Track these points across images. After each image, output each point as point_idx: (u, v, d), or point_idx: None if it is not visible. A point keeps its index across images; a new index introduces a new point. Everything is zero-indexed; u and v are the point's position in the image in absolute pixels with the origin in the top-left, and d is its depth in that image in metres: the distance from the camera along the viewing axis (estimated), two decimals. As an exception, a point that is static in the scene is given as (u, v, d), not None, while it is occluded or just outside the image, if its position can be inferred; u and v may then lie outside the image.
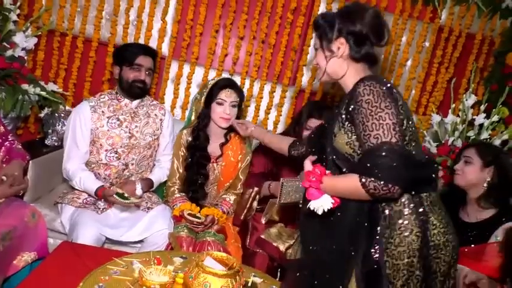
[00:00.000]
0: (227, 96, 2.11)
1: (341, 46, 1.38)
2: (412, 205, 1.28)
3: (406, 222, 1.27)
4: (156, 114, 2.23)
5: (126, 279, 1.38)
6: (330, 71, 1.42)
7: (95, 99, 2.15)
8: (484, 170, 1.94)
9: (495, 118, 2.51)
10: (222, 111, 2.11)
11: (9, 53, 2.36)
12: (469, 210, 2.00)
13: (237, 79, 2.77)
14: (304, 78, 2.87)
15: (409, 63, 2.90)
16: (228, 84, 2.14)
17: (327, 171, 1.33)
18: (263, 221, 2.10)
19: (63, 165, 2.08)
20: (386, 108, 1.23)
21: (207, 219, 2.01)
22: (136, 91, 2.13)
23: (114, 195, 1.86)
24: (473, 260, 1.77)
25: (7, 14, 2.38)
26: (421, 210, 1.28)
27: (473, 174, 1.96)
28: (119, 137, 2.10)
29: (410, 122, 1.30)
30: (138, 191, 2.04)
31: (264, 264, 1.96)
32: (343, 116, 1.33)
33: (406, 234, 1.25)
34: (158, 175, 2.22)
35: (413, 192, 1.28)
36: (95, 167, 2.11)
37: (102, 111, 2.11)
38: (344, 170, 1.35)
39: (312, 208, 1.31)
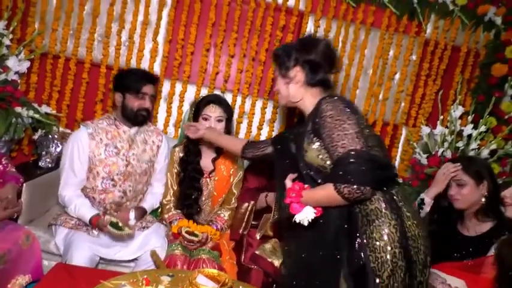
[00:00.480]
0: (211, 111, 2.14)
1: (298, 73, 1.55)
2: (385, 201, 1.42)
3: (383, 218, 1.40)
4: (153, 141, 2.23)
5: (118, 301, 1.38)
6: (289, 96, 1.58)
7: (92, 125, 2.11)
8: (479, 187, 1.94)
9: (483, 128, 2.55)
10: (208, 126, 2.14)
11: (2, 77, 2.38)
12: (468, 225, 2.00)
13: (229, 96, 2.82)
14: (295, 94, 2.91)
15: (397, 76, 2.96)
16: (213, 100, 2.18)
17: (305, 185, 1.46)
18: (258, 236, 2.11)
19: (59, 191, 2.06)
20: (348, 120, 1.40)
21: (202, 237, 2.02)
22: (140, 119, 2.13)
23: (108, 226, 1.86)
24: (473, 273, 1.78)
25: (0, 39, 2.41)
26: (394, 205, 1.43)
27: (471, 195, 1.95)
28: (115, 164, 2.08)
29: (369, 131, 1.48)
30: (132, 221, 2.04)
31: (259, 280, 1.96)
32: (310, 133, 1.49)
33: (385, 227, 1.39)
34: (151, 202, 2.22)
35: (384, 189, 1.44)
36: (90, 192, 2.10)
37: (100, 139, 2.08)
38: (319, 181, 1.48)
39: (297, 221, 1.43)
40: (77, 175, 2.05)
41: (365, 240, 1.39)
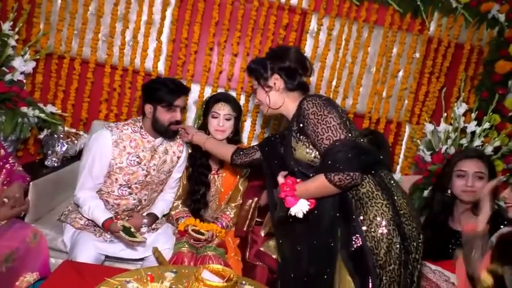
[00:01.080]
0: (220, 109, 2.15)
1: (276, 81, 1.65)
2: (375, 183, 1.50)
3: (375, 199, 1.47)
4: (174, 152, 2.18)
5: (123, 299, 1.40)
6: (272, 103, 1.67)
7: (117, 131, 2.03)
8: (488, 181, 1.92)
9: (486, 125, 2.55)
10: (217, 124, 2.15)
11: (8, 77, 2.41)
12: (462, 219, 2.01)
13: (233, 94, 2.82)
14: (299, 92, 2.92)
15: (400, 74, 2.96)
16: (222, 98, 2.19)
17: (298, 180, 1.54)
18: (262, 233, 2.12)
19: (75, 192, 2.05)
20: (330, 113, 1.49)
21: (208, 235, 2.03)
22: (170, 134, 2.08)
23: (120, 232, 1.85)
24: None
25: (6, 39, 2.43)
26: (384, 186, 1.50)
27: (483, 188, 1.90)
28: (135, 174, 2.06)
29: (350, 123, 1.55)
30: (144, 228, 2.06)
31: (264, 277, 1.97)
32: (296, 132, 1.59)
33: (378, 207, 1.46)
34: (161, 208, 2.21)
35: (372, 172, 1.51)
36: (105, 195, 2.09)
37: (124, 146, 2.02)
38: (311, 175, 1.54)
39: (293, 214, 1.49)
40: (95, 179, 2.03)
41: (360, 223, 1.46)
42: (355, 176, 1.42)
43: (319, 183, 1.46)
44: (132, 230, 1.88)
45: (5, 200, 1.79)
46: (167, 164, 2.15)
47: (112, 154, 2.00)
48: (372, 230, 1.44)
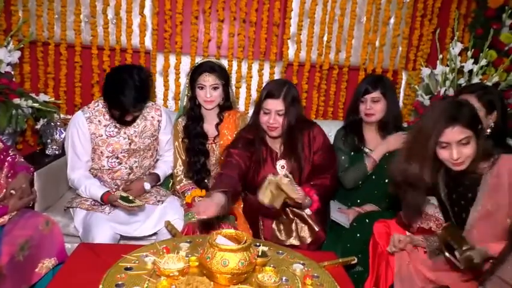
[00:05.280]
0: (205, 80, 2.13)
1: None
2: None
3: None
4: (152, 116, 2.19)
5: (142, 273, 1.42)
6: None
7: (89, 109, 2.08)
8: (488, 117, 1.87)
9: (483, 62, 2.53)
10: (204, 95, 2.14)
11: (-5, 70, 2.37)
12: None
13: (224, 62, 2.77)
14: (291, 52, 2.87)
15: (392, 20, 2.90)
16: (206, 68, 2.15)
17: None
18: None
19: (67, 176, 2.09)
20: None
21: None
22: (128, 121, 2.08)
23: (119, 200, 1.89)
24: None
25: (-14, 32, 2.38)
26: None
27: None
28: (118, 144, 2.09)
29: None
30: (146, 186, 2.09)
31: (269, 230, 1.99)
32: None
33: None
34: (163, 169, 2.25)
35: None
36: (99, 173, 2.13)
37: (99, 121, 2.07)
38: None
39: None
40: (81, 158, 2.07)
41: None
42: None
43: None
44: (130, 198, 1.93)
45: (12, 191, 1.80)
46: (148, 129, 2.17)
47: (89, 130, 2.05)
48: None
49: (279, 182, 1.71)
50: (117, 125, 2.09)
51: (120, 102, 1.95)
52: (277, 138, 2.03)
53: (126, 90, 1.92)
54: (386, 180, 2.05)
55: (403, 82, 2.98)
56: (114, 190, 2.05)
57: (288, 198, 1.78)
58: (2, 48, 2.43)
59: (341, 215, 2.12)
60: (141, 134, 2.15)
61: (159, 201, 2.12)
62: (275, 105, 1.93)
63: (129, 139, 2.11)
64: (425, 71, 2.69)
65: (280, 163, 2.04)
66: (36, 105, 2.44)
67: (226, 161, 1.97)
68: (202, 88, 2.14)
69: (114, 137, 2.09)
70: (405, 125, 2.78)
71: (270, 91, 1.95)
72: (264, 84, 2.84)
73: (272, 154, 2.06)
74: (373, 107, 2.10)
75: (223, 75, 2.17)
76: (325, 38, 2.87)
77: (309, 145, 2.04)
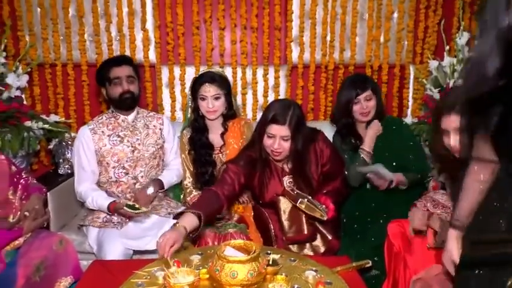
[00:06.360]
0: (206, 91, 2.13)
1: None
2: None
3: None
4: (154, 125, 2.26)
5: (153, 288, 1.43)
6: None
7: (93, 122, 2.20)
8: None
9: (492, 50, 2.45)
10: (206, 105, 2.14)
11: (5, 95, 2.42)
12: None
13: (228, 70, 2.79)
14: (294, 54, 2.86)
15: (395, 15, 2.85)
16: (206, 79, 2.15)
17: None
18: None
19: (75, 189, 2.15)
20: None
21: (225, 214, 2.05)
22: (127, 103, 2.16)
23: (124, 208, 1.91)
24: None
25: (-5, 58, 2.44)
26: None
27: None
28: (122, 152, 2.15)
29: None
30: (149, 190, 2.11)
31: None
32: None
33: None
34: (167, 176, 2.25)
35: None
36: (107, 186, 2.18)
37: (102, 131, 2.16)
38: None
39: None
40: (86, 169, 2.14)
41: None
42: None
43: None
44: (136, 206, 1.94)
45: (26, 213, 1.84)
46: (151, 137, 2.23)
47: (93, 141, 2.14)
48: None
49: (298, 207, 1.79)
50: (120, 134, 2.16)
51: (115, 73, 2.11)
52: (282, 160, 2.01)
53: (120, 61, 2.15)
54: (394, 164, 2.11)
55: (411, 77, 2.92)
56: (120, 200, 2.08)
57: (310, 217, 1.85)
58: (11, 73, 2.49)
59: (383, 167, 2.05)
60: (144, 141, 2.20)
61: (169, 213, 2.13)
62: (280, 131, 1.86)
63: (132, 146, 2.16)
64: (433, 64, 2.63)
65: (287, 179, 2.01)
66: (46, 126, 2.49)
67: (222, 176, 1.93)
68: (204, 99, 2.15)
69: (118, 146, 2.15)
70: (415, 120, 2.74)
71: (274, 116, 1.86)
72: (270, 90, 2.86)
73: (277, 170, 2.03)
74: (368, 105, 2.15)
75: (224, 84, 2.17)
76: (328, 38, 2.84)
77: (316, 160, 2.01)
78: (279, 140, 1.87)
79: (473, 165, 1.16)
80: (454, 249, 1.25)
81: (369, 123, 2.19)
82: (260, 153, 1.97)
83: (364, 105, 2.14)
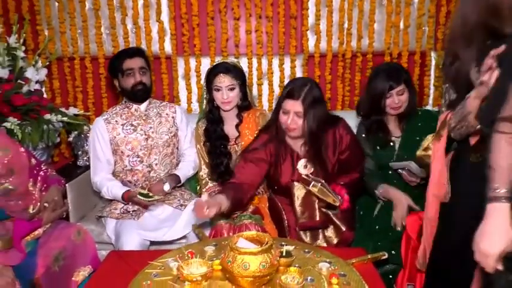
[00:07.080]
0: (221, 82, 2.12)
1: None
2: None
3: None
4: (167, 114, 2.29)
5: (167, 279, 1.43)
6: None
7: (107, 113, 2.25)
8: None
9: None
10: (221, 96, 2.13)
11: (25, 88, 2.47)
12: None
13: (244, 60, 2.76)
14: (311, 43, 2.81)
15: (415, 0, 2.76)
16: (220, 69, 2.13)
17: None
18: None
19: (91, 180, 2.21)
20: None
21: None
22: (139, 94, 2.20)
23: (138, 196, 1.96)
24: None
25: (15, 52, 2.48)
26: None
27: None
28: (136, 140, 2.19)
29: None
30: (166, 187, 2.12)
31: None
32: None
33: None
34: (183, 169, 2.27)
35: None
36: (122, 175, 2.22)
37: (116, 121, 2.20)
38: None
39: None
40: (101, 159, 2.19)
41: None
42: None
43: None
44: (150, 194, 2.01)
45: (46, 204, 1.88)
46: (164, 125, 2.26)
47: (107, 131, 2.18)
48: None
49: (311, 190, 1.77)
50: (134, 123, 2.20)
51: (128, 64, 2.14)
52: (298, 138, 1.99)
53: (132, 53, 2.19)
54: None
55: (433, 64, 2.83)
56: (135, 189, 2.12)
57: (322, 201, 1.83)
58: (30, 67, 2.53)
59: (415, 164, 1.93)
60: (157, 129, 2.23)
61: (182, 205, 2.15)
62: (294, 106, 1.86)
63: (145, 134, 2.20)
64: (455, 50, 2.53)
65: (302, 163, 1.99)
66: (65, 119, 2.53)
67: (240, 166, 1.96)
68: (218, 90, 2.14)
69: (132, 134, 2.19)
70: (436, 108, 2.66)
71: (290, 91, 1.88)
72: (286, 80, 2.82)
73: (293, 153, 2.01)
74: (401, 99, 2.05)
75: (238, 75, 2.15)
76: (345, 26, 2.77)
77: (333, 145, 1.97)
78: (292, 115, 1.87)
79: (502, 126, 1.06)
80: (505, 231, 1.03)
81: (401, 117, 2.11)
82: (276, 132, 1.96)
83: (396, 99, 2.04)
